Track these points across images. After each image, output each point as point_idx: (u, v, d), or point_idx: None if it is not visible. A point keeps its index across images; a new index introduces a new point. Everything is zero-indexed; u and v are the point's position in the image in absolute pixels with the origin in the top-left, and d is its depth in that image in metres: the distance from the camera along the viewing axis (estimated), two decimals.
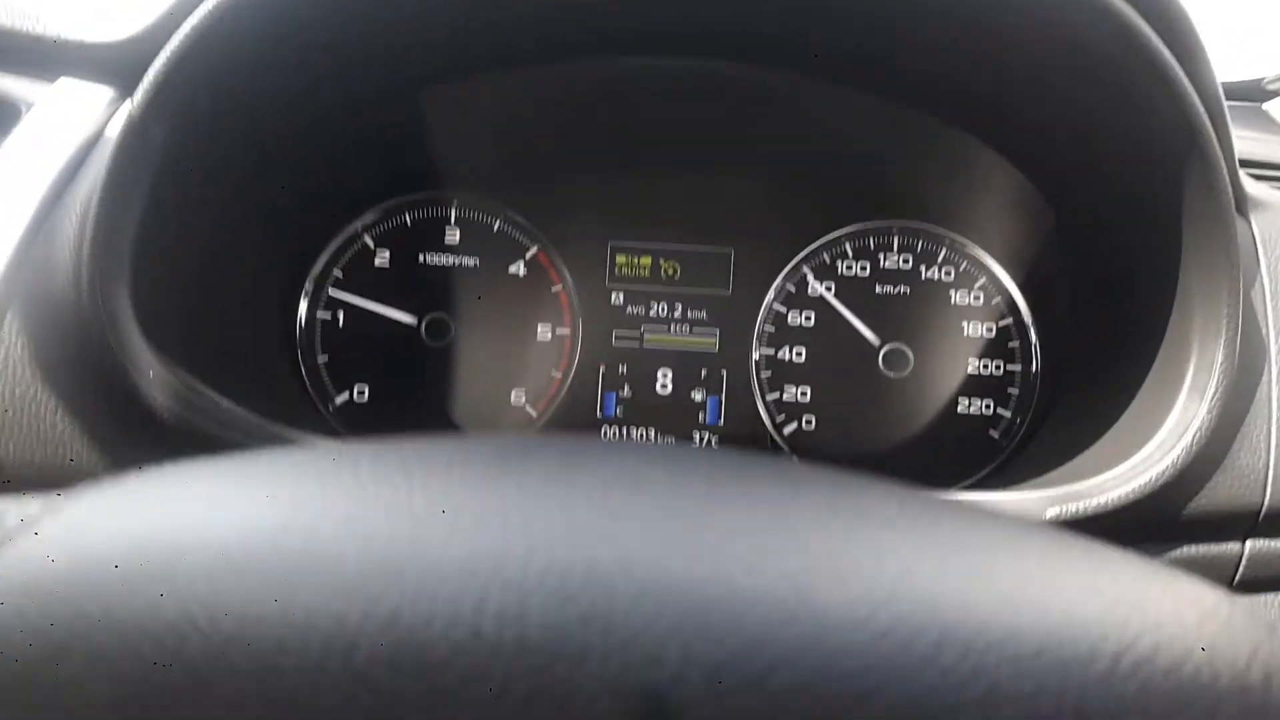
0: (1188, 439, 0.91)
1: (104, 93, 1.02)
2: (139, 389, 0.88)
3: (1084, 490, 0.92)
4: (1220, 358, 0.92)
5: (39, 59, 1.01)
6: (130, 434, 0.91)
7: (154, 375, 0.89)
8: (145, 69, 0.94)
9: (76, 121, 0.98)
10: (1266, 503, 0.95)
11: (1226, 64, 1.81)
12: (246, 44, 0.94)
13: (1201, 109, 0.90)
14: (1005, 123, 1.12)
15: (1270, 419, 0.96)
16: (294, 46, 0.99)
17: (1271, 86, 1.75)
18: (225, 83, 0.96)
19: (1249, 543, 0.97)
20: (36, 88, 1.00)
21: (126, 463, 0.91)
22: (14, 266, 0.89)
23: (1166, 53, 0.89)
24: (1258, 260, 1.03)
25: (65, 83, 1.01)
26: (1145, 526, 0.94)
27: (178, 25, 0.95)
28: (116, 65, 1.01)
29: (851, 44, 1.07)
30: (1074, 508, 0.91)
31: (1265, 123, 1.71)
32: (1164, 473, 0.90)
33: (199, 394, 0.92)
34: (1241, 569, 0.97)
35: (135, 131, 0.90)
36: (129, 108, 0.91)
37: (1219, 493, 0.95)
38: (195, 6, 0.93)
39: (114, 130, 0.96)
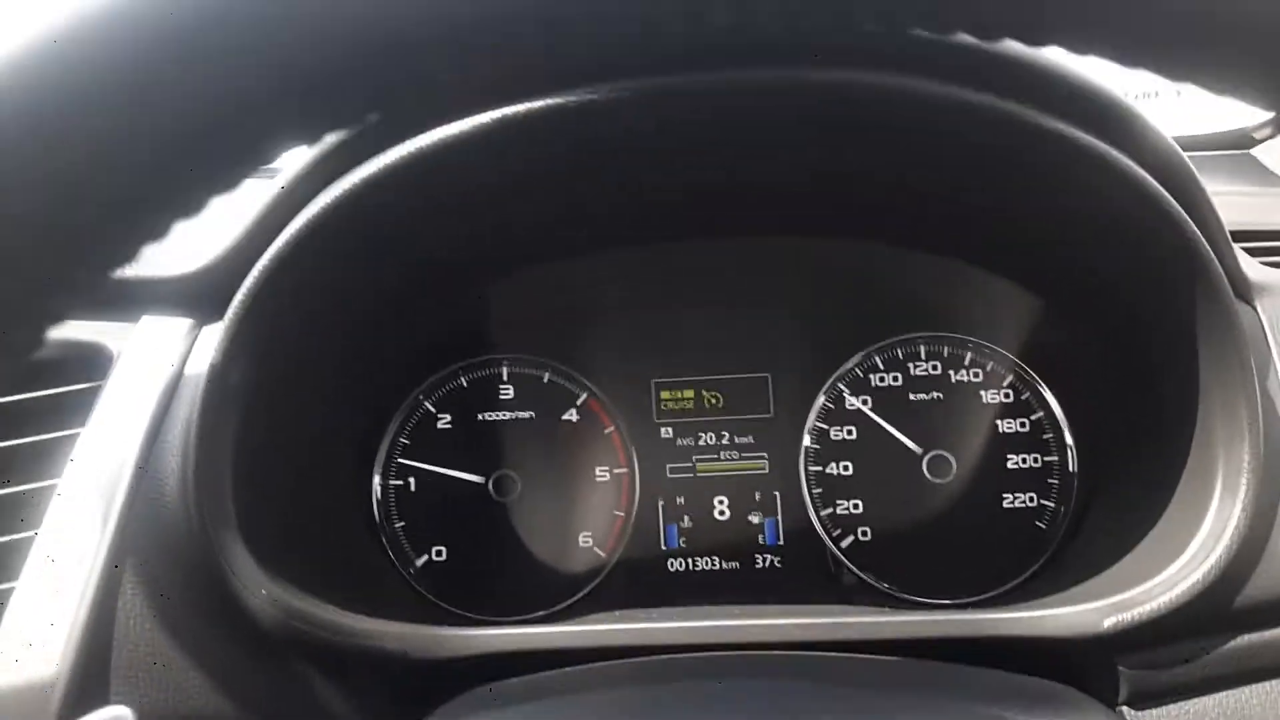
0: (1226, 539, 0.97)
1: (183, 324, 1.11)
2: (252, 611, 0.96)
3: (1135, 598, 0.98)
4: (1247, 458, 0.98)
5: (123, 302, 1.11)
6: (244, 652, 0.99)
7: (265, 593, 0.97)
8: (215, 297, 1.04)
9: (162, 359, 1.07)
10: None
11: (1211, 115, 1.90)
12: (312, 274, 1.03)
13: (1201, 239, 0.97)
14: (1017, 260, 1.20)
15: None
16: (352, 269, 1.08)
17: (1258, 134, 1.82)
18: (295, 307, 1.05)
19: None
20: (123, 329, 1.10)
21: (239, 679, 0.99)
22: (124, 519, 0.97)
23: (1174, 203, 0.96)
24: (1269, 347, 1.09)
25: (147, 321, 1.11)
26: (1198, 623, 0.99)
27: (244, 253, 1.04)
28: (190, 297, 1.11)
29: (879, 210, 1.17)
30: (1129, 617, 0.97)
31: (1256, 171, 1.77)
32: (1209, 574, 0.96)
33: (302, 604, 0.99)
34: None
35: (219, 373, 0.99)
36: (212, 352, 1.00)
37: (1264, 582, 1.00)
38: (260, 237, 1.03)
39: (197, 363, 1.06)
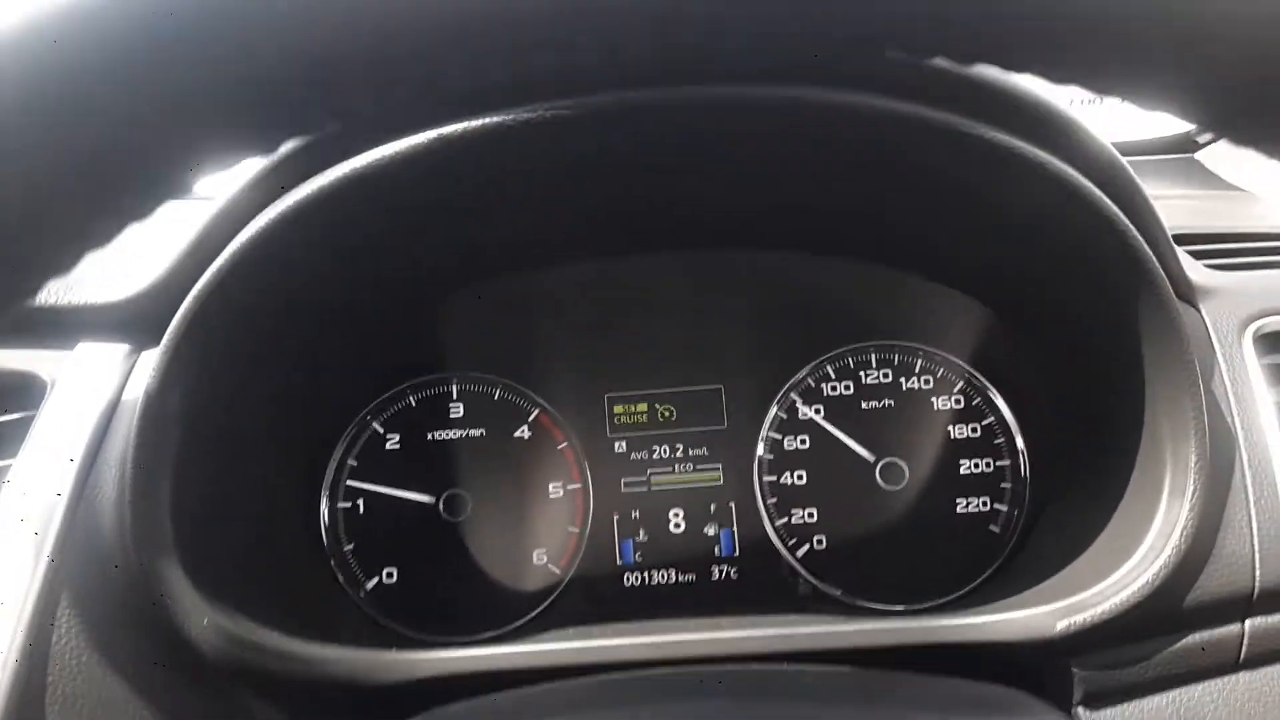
0: (1175, 539, 0.98)
1: (120, 349, 1.08)
2: (194, 641, 0.94)
3: (1086, 601, 0.98)
4: (1193, 459, 0.99)
5: (58, 329, 1.08)
6: (186, 684, 0.96)
7: (208, 623, 0.95)
8: (154, 321, 1.02)
9: (98, 386, 1.04)
10: (1258, 584, 1.02)
11: (1155, 120, 1.93)
12: (254, 294, 1.01)
13: (1141, 241, 0.98)
14: (964, 270, 1.21)
15: (1249, 504, 1.03)
16: (297, 287, 1.06)
17: (1201, 138, 1.85)
18: (236, 329, 1.03)
19: (1248, 623, 1.03)
20: (58, 357, 1.07)
21: (182, 713, 0.96)
22: (59, 550, 0.94)
23: (1114, 207, 0.97)
24: (1213, 349, 1.10)
25: (84, 348, 1.08)
26: (1148, 623, 1.00)
27: (182, 277, 1.02)
28: (128, 323, 1.09)
29: (830, 227, 1.17)
30: (1081, 619, 0.97)
31: (1200, 174, 1.80)
32: (1158, 575, 0.97)
33: (248, 632, 0.97)
34: (1245, 648, 1.03)
35: (155, 400, 0.97)
36: (147, 377, 0.98)
37: (1212, 581, 1.01)
38: (198, 259, 1.01)
39: (134, 391, 1.03)
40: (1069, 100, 1.09)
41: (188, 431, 1.00)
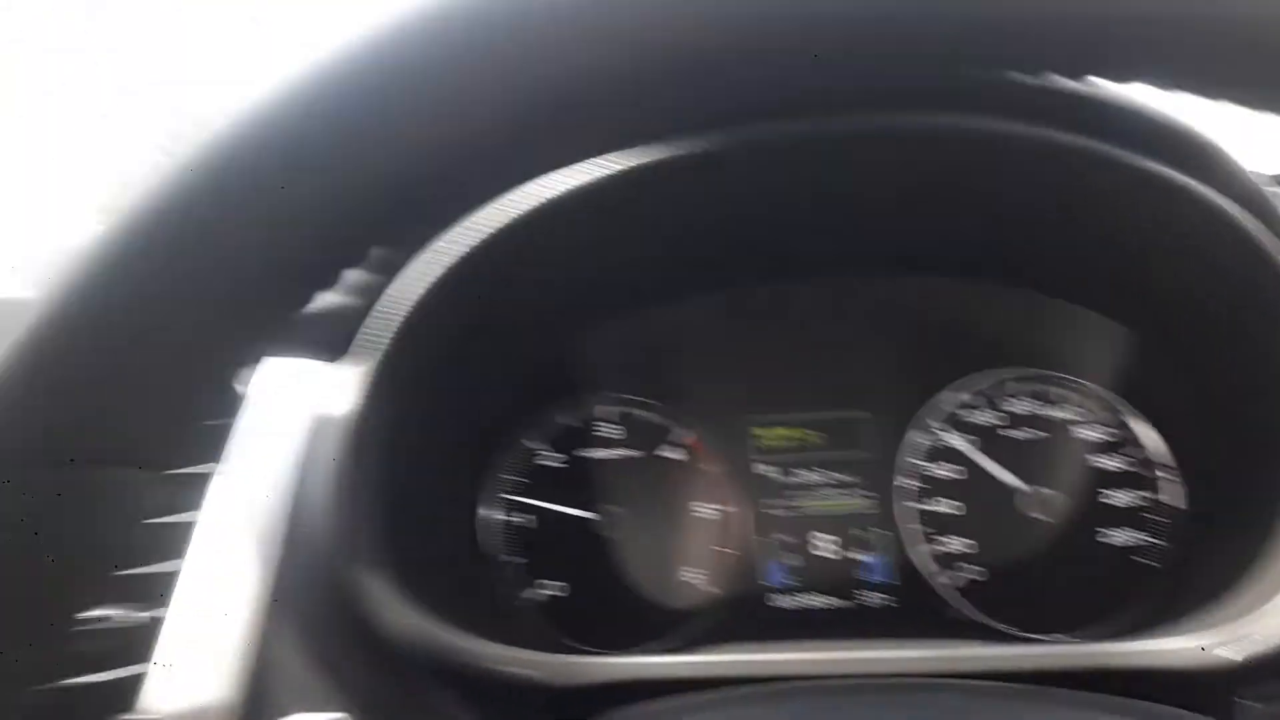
0: None
1: (306, 364, 1.15)
2: (398, 642, 0.99)
3: (1260, 629, 0.98)
4: None
5: None
6: (389, 684, 1.01)
7: (414, 626, 1.00)
8: (335, 337, 1.08)
9: (292, 399, 1.11)
10: None
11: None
12: (446, 317, 1.07)
13: None
14: (1108, 293, 1.23)
15: None
16: (476, 313, 1.13)
17: None
18: (430, 350, 1.09)
19: None
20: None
21: (385, 710, 1.01)
22: (269, 558, 1.00)
23: (1258, 229, 0.98)
24: None
25: (269, 361, 1.14)
26: None
27: (371, 297, 1.09)
28: (311, 338, 1.15)
29: (975, 253, 1.19)
30: (1258, 648, 0.97)
31: None
32: None
33: (444, 637, 1.02)
34: None
35: (362, 415, 1.03)
36: (354, 393, 1.04)
37: None
38: (381, 280, 1.07)
39: (329, 403, 1.09)
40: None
41: (385, 449, 1.06)
